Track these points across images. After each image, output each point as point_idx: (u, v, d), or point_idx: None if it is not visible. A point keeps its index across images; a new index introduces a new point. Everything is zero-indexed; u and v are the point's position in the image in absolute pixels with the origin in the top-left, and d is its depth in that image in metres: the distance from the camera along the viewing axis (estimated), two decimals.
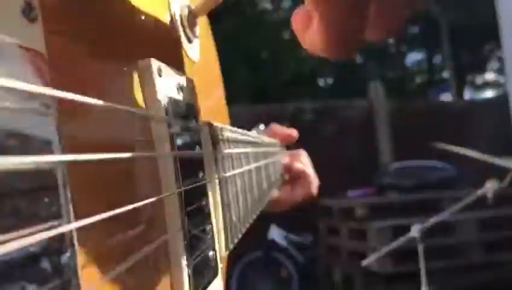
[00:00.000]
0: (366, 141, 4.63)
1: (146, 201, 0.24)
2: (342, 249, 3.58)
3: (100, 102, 0.20)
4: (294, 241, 3.64)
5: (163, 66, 0.29)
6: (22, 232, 0.14)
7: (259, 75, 8.46)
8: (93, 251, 0.20)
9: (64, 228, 0.16)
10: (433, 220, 1.84)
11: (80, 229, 0.18)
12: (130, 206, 0.22)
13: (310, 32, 0.25)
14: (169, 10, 0.37)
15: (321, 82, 9.50)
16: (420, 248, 1.79)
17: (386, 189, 3.72)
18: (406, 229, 1.87)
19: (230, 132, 0.44)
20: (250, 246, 3.46)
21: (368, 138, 4.64)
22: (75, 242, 0.17)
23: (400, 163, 4.00)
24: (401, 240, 1.87)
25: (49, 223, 0.16)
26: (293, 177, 0.85)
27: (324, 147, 3.99)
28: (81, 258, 0.18)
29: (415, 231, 1.79)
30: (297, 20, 0.26)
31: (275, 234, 3.59)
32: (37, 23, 0.17)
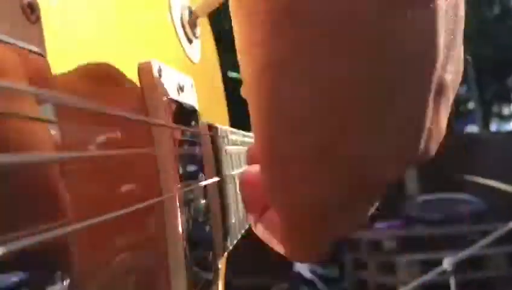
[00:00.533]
0: None
1: (146, 203, 0.24)
2: (370, 283, 3.52)
3: (98, 107, 0.20)
4: (321, 274, 3.60)
5: (163, 66, 0.29)
6: (21, 232, 0.14)
7: None
8: (93, 252, 0.20)
9: (64, 229, 0.16)
10: (465, 253, 1.79)
11: (79, 230, 0.18)
12: (130, 209, 0.22)
13: (266, 221, 0.22)
14: (170, 11, 0.37)
15: None
16: (452, 282, 1.74)
17: (413, 222, 3.66)
18: (435, 263, 1.82)
19: (230, 133, 0.44)
20: (276, 277, 3.47)
21: None
22: (74, 243, 0.17)
23: (427, 195, 3.94)
24: (432, 273, 1.83)
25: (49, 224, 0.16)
26: None
27: None
28: (79, 259, 0.18)
29: (447, 264, 1.74)
30: (246, 189, 0.22)
31: (301, 266, 3.55)
32: (38, 24, 0.17)
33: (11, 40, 0.16)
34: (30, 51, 0.17)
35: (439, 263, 1.77)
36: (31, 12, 0.17)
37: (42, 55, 0.17)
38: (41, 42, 0.17)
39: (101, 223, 0.19)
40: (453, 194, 3.81)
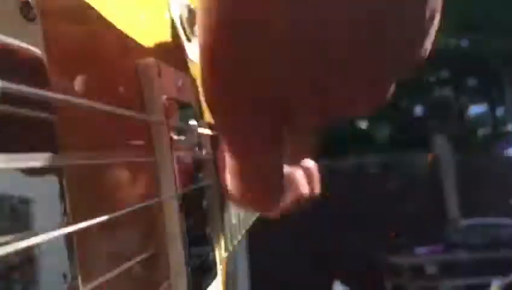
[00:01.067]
0: (432, 196, 4.45)
1: (145, 203, 0.24)
2: None
3: (99, 105, 0.19)
4: None
5: (162, 66, 0.29)
6: (19, 235, 0.14)
7: None
8: (92, 254, 0.20)
9: (61, 231, 0.16)
10: None
11: (79, 233, 0.17)
12: (129, 209, 0.22)
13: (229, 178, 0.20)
14: (169, 9, 0.37)
15: (377, 136, 8.43)
16: None
17: (456, 247, 3.63)
18: (478, 288, 1.77)
19: None
20: None
21: (434, 193, 4.46)
22: (75, 245, 0.17)
23: (470, 220, 3.90)
24: None
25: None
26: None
27: (389, 202, 3.99)
28: (80, 260, 0.18)
29: (495, 287, 1.71)
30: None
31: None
32: (35, 23, 0.17)
33: (8, 40, 0.15)
34: (27, 50, 0.16)
35: (483, 288, 1.72)
36: (29, 11, 0.17)
37: (39, 55, 0.17)
38: (38, 41, 0.17)
39: (100, 224, 0.19)
40: (496, 219, 3.77)
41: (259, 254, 3.55)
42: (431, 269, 3.45)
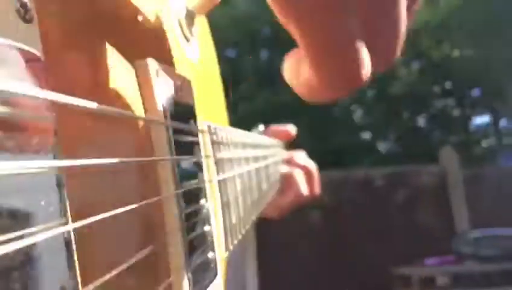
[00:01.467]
0: (441, 207, 4.44)
1: (144, 202, 0.24)
2: None
3: (96, 105, 0.20)
4: None
5: (161, 66, 0.29)
6: (20, 232, 0.14)
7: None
8: (91, 253, 0.20)
9: (62, 229, 0.16)
10: None
11: (78, 230, 0.17)
12: (129, 207, 0.22)
13: (302, 80, 0.24)
14: (167, 9, 0.37)
15: (381, 147, 8.27)
16: None
17: (465, 258, 3.63)
18: None
19: (229, 133, 0.44)
20: None
21: (442, 205, 4.45)
22: (73, 243, 0.17)
23: (480, 231, 3.88)
24: None
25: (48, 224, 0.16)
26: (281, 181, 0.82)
27: (397, 214, 4.01)
28: (78, 260, 0.18)
29: None
30: (287, 69, 0.25)
31: None
32: (32, 24, 0.17)
33: (6, 41, 0.15)
34: (25, 51, 0.16)
35: None
36: (26, 13, 0.17)
37: (38, 56, 0.17)
38: (36, 42, 0.17)
39: (99, 224, 0.19)
40: (505, 230, 3.76)
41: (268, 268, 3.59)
42: (442, 280, 3.45)
